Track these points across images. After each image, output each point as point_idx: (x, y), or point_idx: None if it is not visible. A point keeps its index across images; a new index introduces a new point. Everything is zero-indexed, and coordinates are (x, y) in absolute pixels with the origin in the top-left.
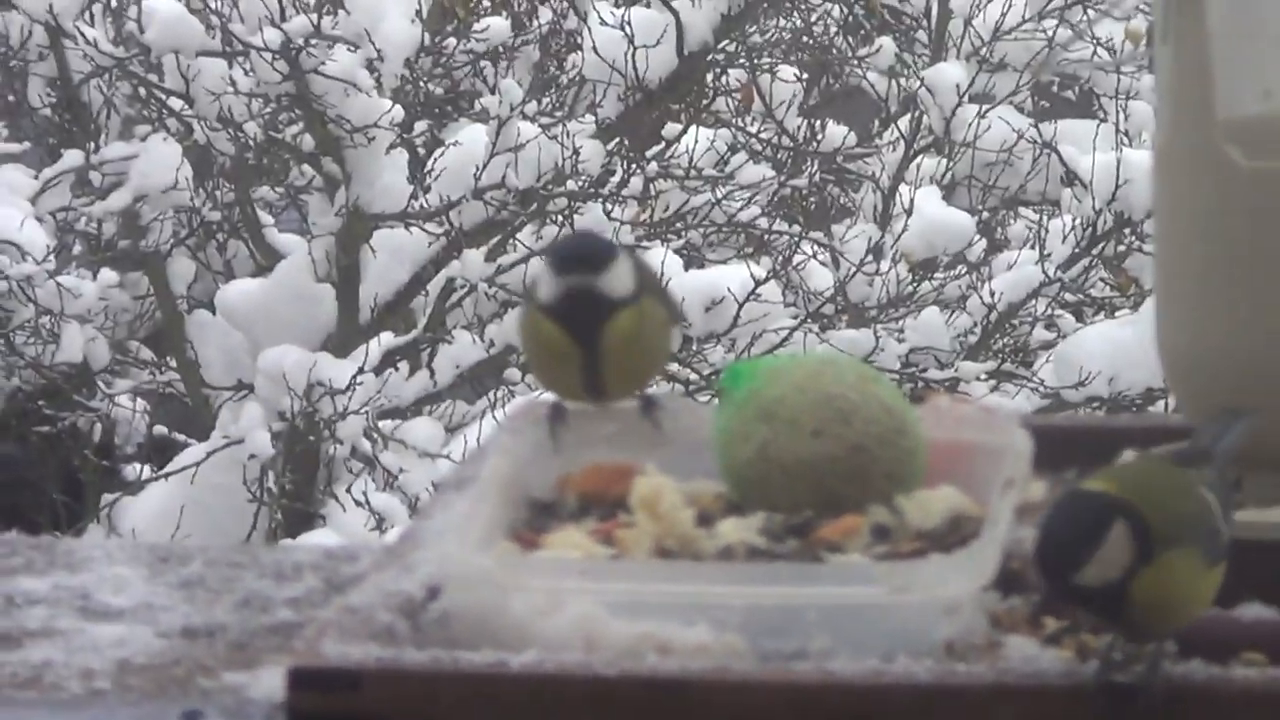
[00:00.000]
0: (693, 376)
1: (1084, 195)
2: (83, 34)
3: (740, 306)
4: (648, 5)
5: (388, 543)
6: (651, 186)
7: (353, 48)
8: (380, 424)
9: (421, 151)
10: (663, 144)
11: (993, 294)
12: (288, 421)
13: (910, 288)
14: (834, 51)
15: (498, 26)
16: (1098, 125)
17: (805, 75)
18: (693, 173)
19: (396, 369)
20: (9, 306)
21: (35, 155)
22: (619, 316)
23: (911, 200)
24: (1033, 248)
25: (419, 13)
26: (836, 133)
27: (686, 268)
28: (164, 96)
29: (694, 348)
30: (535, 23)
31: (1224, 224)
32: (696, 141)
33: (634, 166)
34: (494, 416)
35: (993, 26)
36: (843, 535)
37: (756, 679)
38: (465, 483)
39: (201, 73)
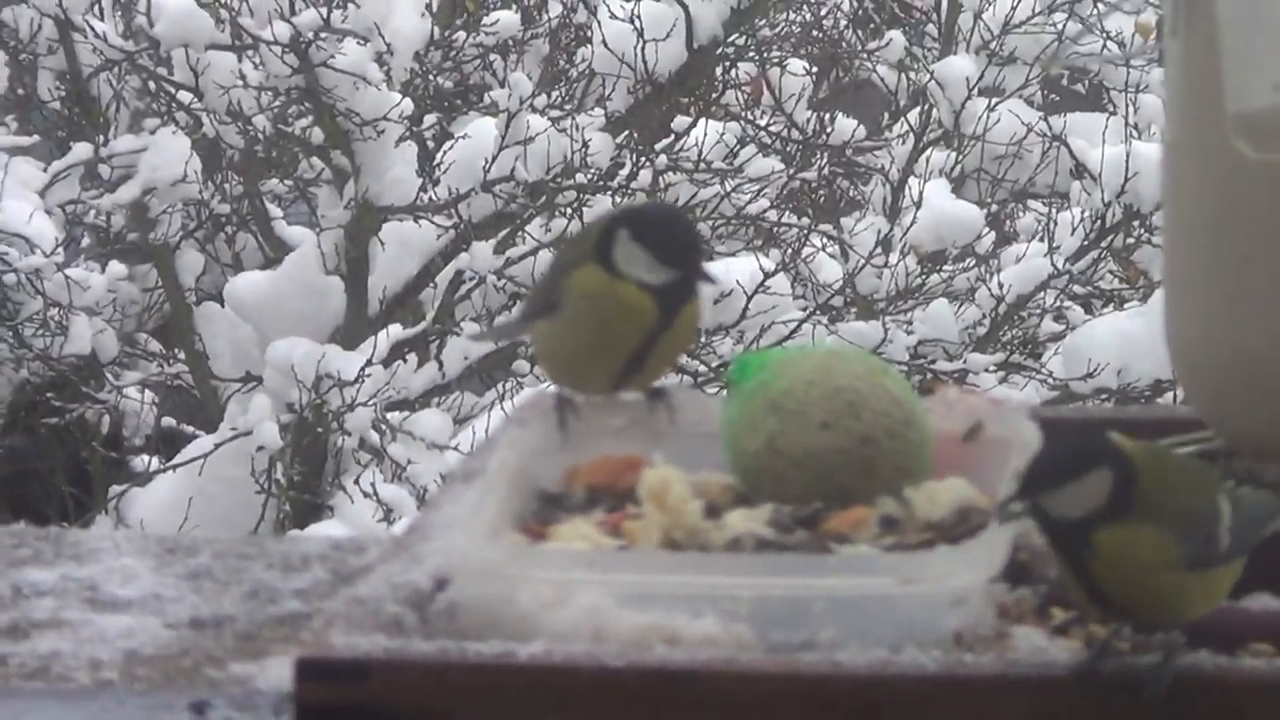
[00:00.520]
0: (701, 368)
1: (1093, 188)
2: (92, 28)
3: (749, 299)
4: None
5: (396, 534)
6: (661, 179)
7: (362, 41)
8: (388, 416)
9: (431, 144)
10: (672, 137)
11: (1001, 286)
12: (296, 413)
13: (919, 280)
14: (843, 45)
15: (507, 20)
16: (1107, 118)
17: (815, 69)
18: (702, 166)
19: (405, 361)
20: (18, 299)
21: (44, 148)
22: (693, 302)
23: (921, 193)
24: (1041, 240)
25: (429, 6)
26: (846, 126)
27: None
28: (173, 90)
29: (703, 339)
30: (545, 16)
31: (1233, 216)
32: (706, 134)
33: (643, 160)
34: (502, 408)
35: (1002, 20)
36: (851, 527)
37: (764, 670)
38: (473, 474)
39: (211, 66)
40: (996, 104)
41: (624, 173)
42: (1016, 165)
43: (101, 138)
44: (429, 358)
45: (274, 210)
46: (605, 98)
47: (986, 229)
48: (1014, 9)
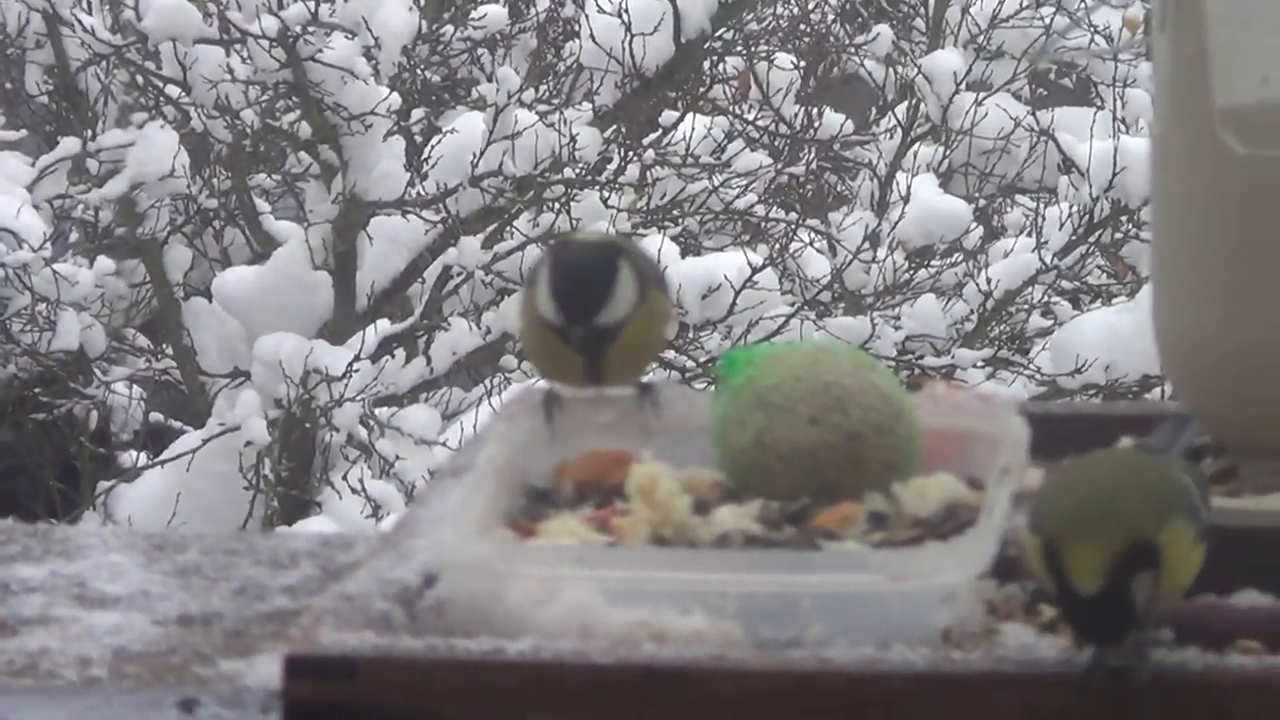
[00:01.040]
0: (689, 364)
1: (1081, 183)
2: (80, 21)
3: (737, 294)
4: None
5: (384, 530)
6: (648, 174)
7: (350, 35)
8: (377, 411)
9: (419, 139)
10: (660, 131)
11: (989, 281)
12: (284, 409)
13: (907, 275)
14: (831, 39)
15: (495, 14)
16: (1095, 113)
17: (802, 63)
18: (689, 160)
19: (393, 356)
20: (5, 294)
21: (32, 143)
22: (624, 332)
23: (908, 188)
24: (1029, 235)
25: (416, 0)
26: (834, 120)
27: (683, 255)
28: (161, 84)
29: (690, 335)
30: (532, 10)
31: (1221, 211)
32: (693, 129)
33: (631, 154)
34: (490, 404)
35: (990, 14)
36: (839, 523)
37: (752, 666)
38: (461, 470)
39: (199, 60)
40: (984, 98)
41: (612, 167)
42: (1004, 160)
43: (89, 132)
44: (417, 353)
45: (262, 205)
46: (593, 92)
47: (974, 224)
48: (1001, 3)
